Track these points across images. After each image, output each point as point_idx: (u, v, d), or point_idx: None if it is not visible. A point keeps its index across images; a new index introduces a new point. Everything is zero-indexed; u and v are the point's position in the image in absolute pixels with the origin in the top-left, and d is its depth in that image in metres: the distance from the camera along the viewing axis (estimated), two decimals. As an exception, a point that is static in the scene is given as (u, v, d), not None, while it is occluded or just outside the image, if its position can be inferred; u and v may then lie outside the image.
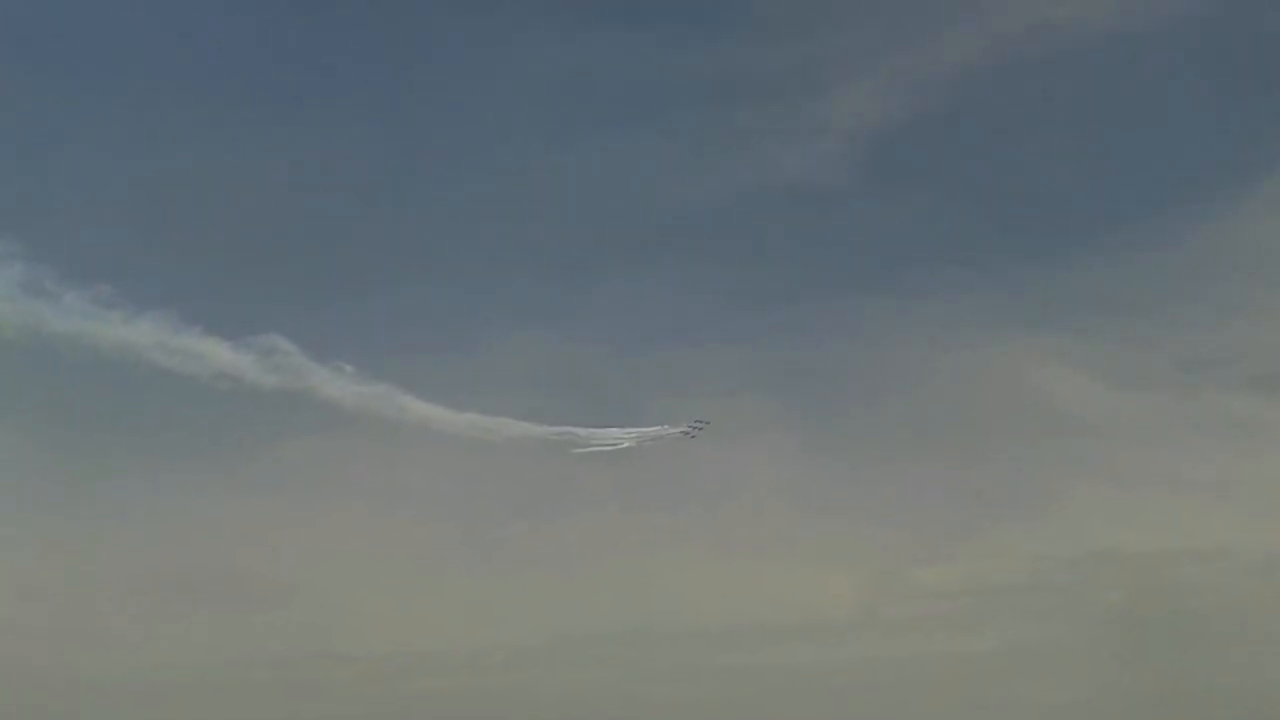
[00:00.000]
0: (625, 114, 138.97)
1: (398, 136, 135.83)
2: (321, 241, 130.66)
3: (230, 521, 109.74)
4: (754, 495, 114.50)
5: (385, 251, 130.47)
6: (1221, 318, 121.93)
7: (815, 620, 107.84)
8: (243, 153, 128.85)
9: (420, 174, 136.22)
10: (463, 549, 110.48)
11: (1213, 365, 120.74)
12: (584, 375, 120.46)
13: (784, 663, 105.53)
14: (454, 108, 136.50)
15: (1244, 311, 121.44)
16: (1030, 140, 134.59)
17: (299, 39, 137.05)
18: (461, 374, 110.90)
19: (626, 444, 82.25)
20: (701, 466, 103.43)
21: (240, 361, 76.07)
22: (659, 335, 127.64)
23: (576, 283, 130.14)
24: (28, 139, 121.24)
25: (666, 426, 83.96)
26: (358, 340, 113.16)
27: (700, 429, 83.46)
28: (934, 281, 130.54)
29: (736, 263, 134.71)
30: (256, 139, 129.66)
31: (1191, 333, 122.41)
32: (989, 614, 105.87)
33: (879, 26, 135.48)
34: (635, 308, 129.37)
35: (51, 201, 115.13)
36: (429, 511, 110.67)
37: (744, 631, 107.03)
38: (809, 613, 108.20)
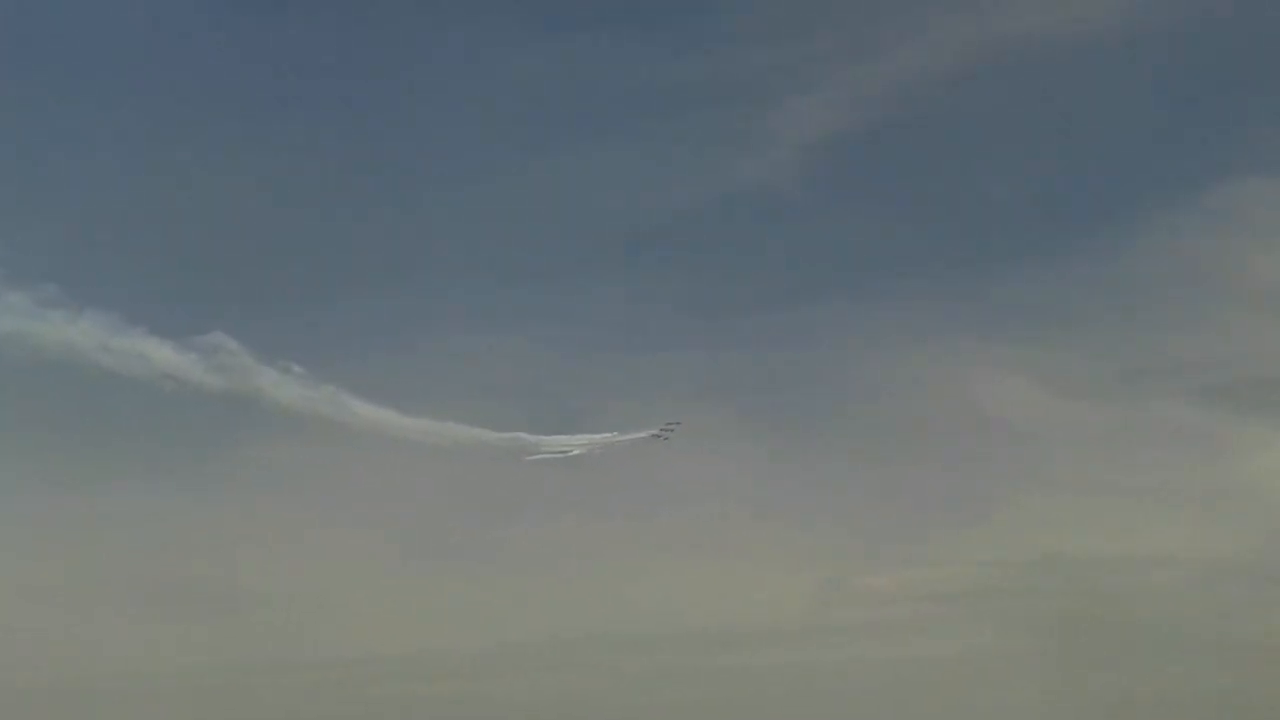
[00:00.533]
0: (580, 122, 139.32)
1: (351, 141, 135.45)
2: (272, 244, 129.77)
3: (180, 526, 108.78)
4: (706, 501, 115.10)
5: (337, 255, 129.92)
6: (1165, 330, 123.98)
7: (767, 625, 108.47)
8: (194, 152, 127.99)
9: (373, 177, 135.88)
10: (417, 554, 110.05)
11: (1155, 376, 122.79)
12: (538, 380, 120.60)
13: (735, 666, 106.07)
14: (407, 114, 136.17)
15: (1187, 324, 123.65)
16: (979, 152, 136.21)
17: (259, 40, 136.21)
18: (414, 378, 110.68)
19: (576, 451, 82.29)
20: (655, 473, 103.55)
21: (185, 362, 75.47)
22: (613, 341, 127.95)
23: (530, 288, 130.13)
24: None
25: (618, 434, 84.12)
26: (308, 343, 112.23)
27: (672, 431, 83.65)
28: (885, 290, 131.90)
29: (690, 270, 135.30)
30: (209, 139, 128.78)
31: (1135, 344, 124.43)
32: (937, 619, 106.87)
33: (832, 38, 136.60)
34: (590, 313, 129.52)
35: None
36: (383, 516, 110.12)
37: (696, 636, 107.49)
38: (760, 618, 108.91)
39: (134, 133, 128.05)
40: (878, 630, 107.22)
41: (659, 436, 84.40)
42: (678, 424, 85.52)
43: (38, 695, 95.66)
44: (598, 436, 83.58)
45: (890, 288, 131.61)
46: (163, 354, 74.31)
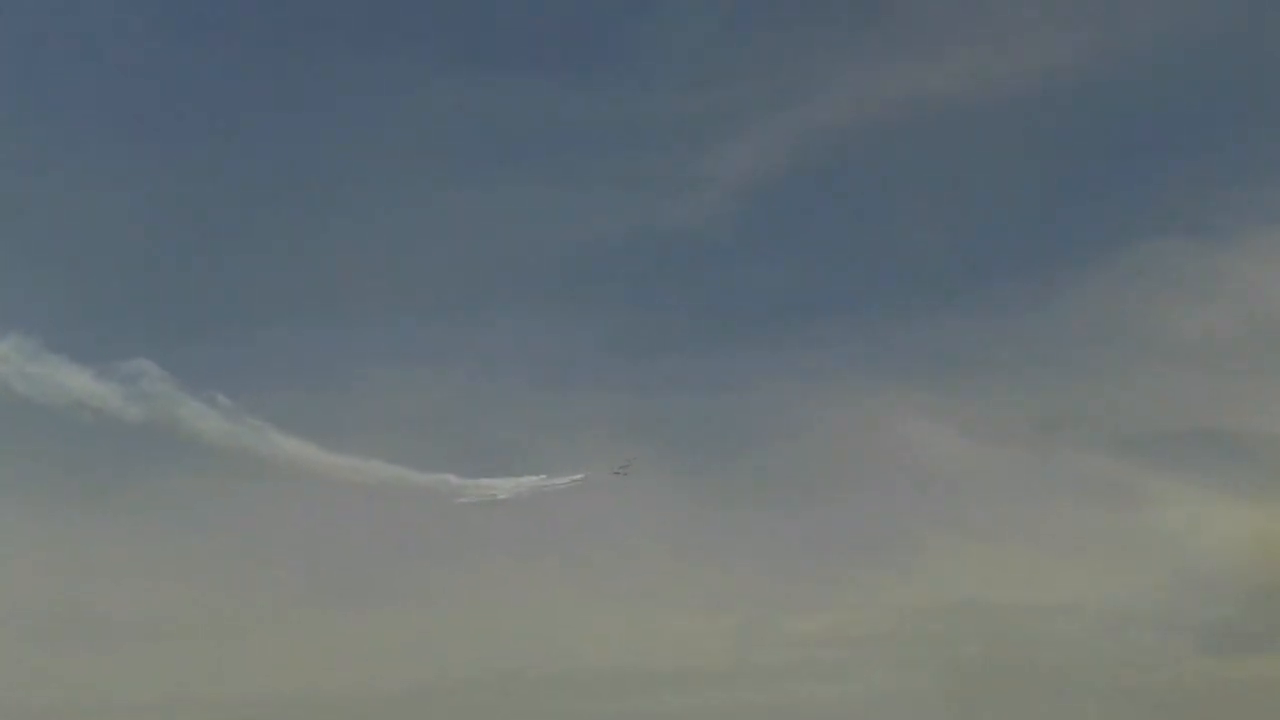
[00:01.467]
0: (511, 157, 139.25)
1: (279, 170, 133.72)
2: (197, 273, 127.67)
3: (80, 556, 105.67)
4: (628, 542, 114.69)
5: (260, 285, 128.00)
6: (1080, 380, 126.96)
7: (689, 666, 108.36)
8: (121, 180, 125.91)
9: (300, 209, 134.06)
10: (333, 592, 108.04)
11: (1072, 426, 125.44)
12: (461, 416, 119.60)
13: (658, 709, 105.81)
14: (336, 144, 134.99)
15: (1102, 375, 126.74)
16: (903, 202, 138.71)
17: (186, 70, 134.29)
18: (336, 412, 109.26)
19: (503, 495, 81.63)
20: (577, 511, 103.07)
21: (105, 390, 73.53)
22: (538, 378, 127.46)
23: (457, 323, 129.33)
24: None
25: (546, 477, 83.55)
26: (232, 374, 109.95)
27: (627, 469, 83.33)
28: (807, 335, 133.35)
29: (617, 308, 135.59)
30: (136, 166, 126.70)
31: (1052, 394, 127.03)
32: (855, 662, 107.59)
33: (765, 84, 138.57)
34: (515, 350, 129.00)
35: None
36: (299, 553, 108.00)
37: (618, 677, 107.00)
38: (683, 659, 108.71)
39: (63, 160, 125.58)
40: (796, 672, 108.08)
41: (618, 474, 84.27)
42: (633, 459, 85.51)
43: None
44: (525, 480, 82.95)
45: (812, 332, 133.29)
46: (81, 381, 72.35)
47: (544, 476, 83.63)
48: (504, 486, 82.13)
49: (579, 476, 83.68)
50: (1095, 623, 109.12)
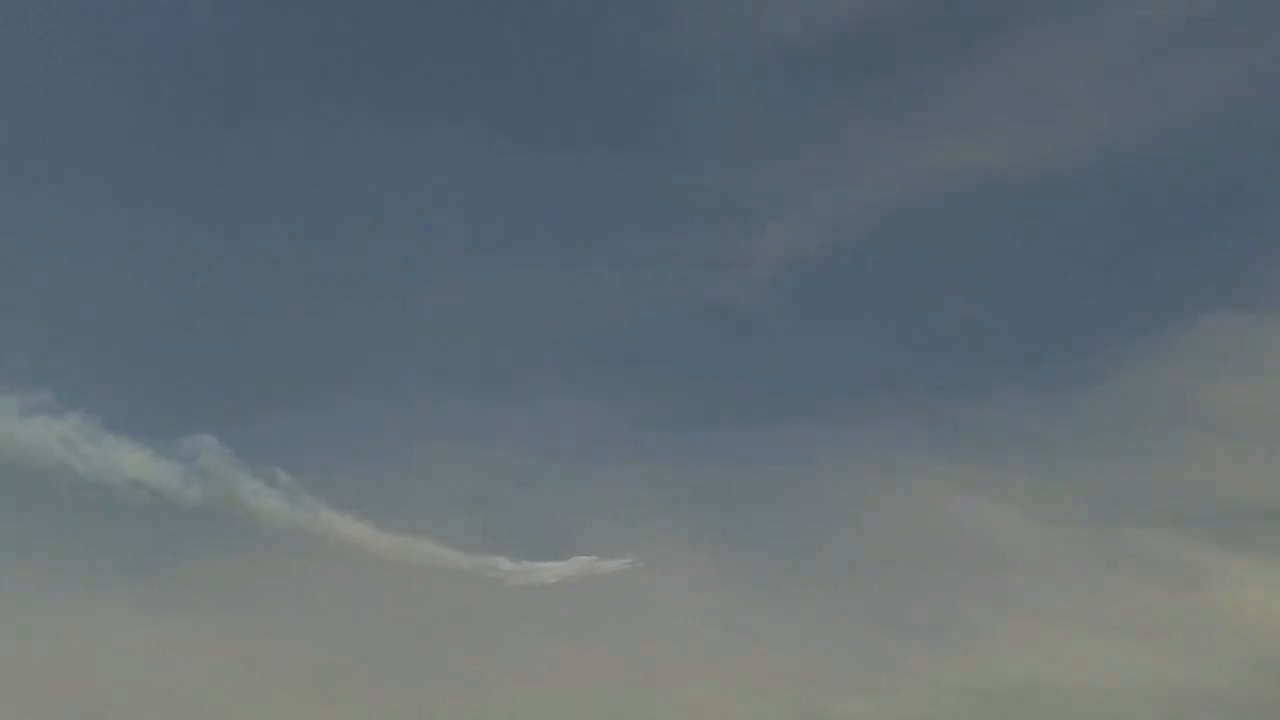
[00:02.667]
0: (554, 235, 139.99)
1: (330, 250, 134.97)
2: (252, 352, 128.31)
3: (135, 638, 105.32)
4: (677, 622, 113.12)
5: (309, 363, 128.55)
6: (1140, 458, 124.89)
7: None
8: (179, 260, 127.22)
9: (349, 288, 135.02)
10: (379, 673, 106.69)
11: (1133, 504, 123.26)
12: (509, 494, 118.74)
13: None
14: (385, 223, 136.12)
15: (1158, 451, 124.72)
16: (954, 276, 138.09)
17: (238, 150, 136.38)
18: (387, 489, 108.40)
19: (551, 579, 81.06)
20: (625, 593, 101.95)
21: (163, 469, 73.55)
22: (583, 455, 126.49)
23: (502, 400, 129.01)
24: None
25: (596, 558, 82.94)
26: (285, 450, 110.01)
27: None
28: (856, 410, 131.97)
29: (662, 385, 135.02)
30: (194, 247, 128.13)
31: (1106, 470, 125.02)
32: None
33: (808, 160, 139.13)
34: (560, 427, 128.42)
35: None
36: (344, 634, 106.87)
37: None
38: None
39: (123, 243, 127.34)
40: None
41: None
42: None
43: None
44: (574, 561, 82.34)
45: (863, 409, 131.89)
46: (139, 460, 72.44)
47: (593, 558, 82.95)
48: (553, 569, 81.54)
49: (627, 561, 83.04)
50: (1159, 705, 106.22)
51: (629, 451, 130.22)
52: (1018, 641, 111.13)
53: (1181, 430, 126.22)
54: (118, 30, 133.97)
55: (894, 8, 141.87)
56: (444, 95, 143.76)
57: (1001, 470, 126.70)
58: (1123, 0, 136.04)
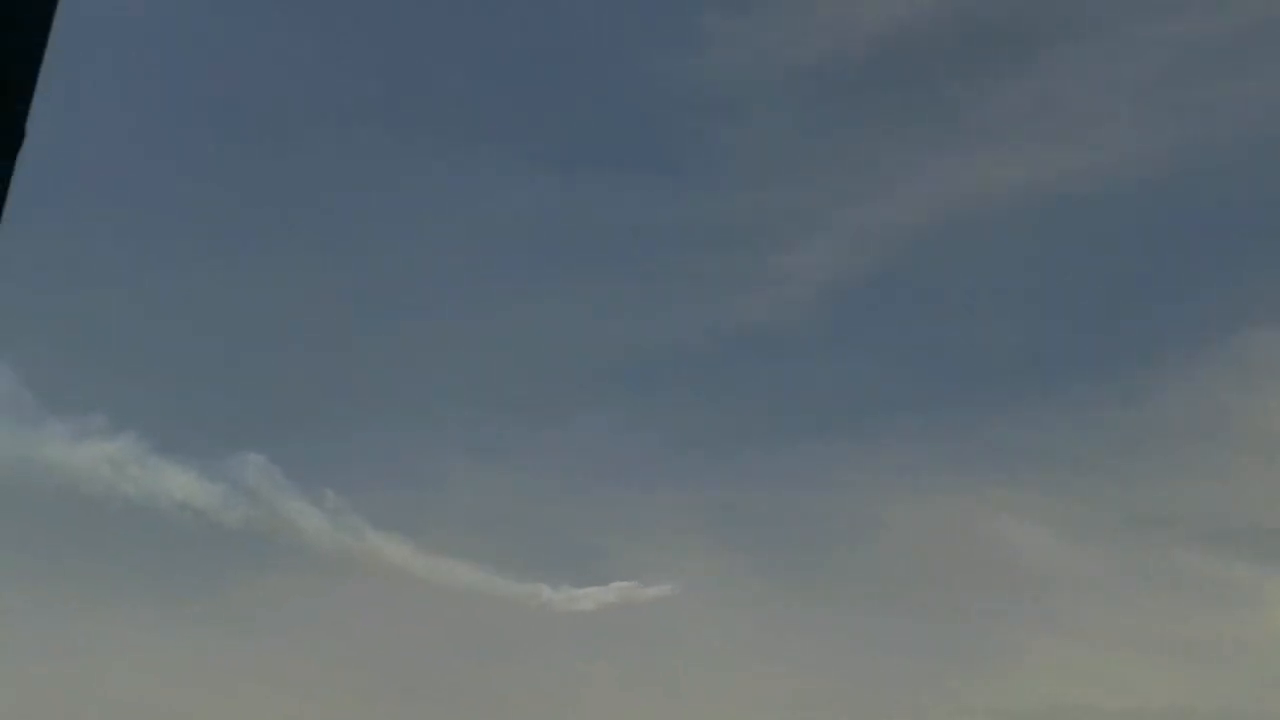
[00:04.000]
0: (589, 259, 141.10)
1: (372, 277, 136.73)
2: (289, 379, 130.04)
3: (180, 660, 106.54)
4: (713, 646, 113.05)
5: (350, 388, 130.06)
6: (1177, 476, 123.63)
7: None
8: (227, 285, 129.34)
9: (390, 314, 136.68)
10: (418, 697, 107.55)
11: (1167, 522, 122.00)
12: (547, 516, 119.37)
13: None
14: (425, 250, 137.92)
15: (1197, 470, 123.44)
16: (985, 295, 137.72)
17: (282, 174, 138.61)
18: (429, 513, 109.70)
19: (590, 605, 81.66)
20: (662, 618, 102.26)
21: (210, 490, 74.84)
22: (620, 477, 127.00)
23: (540, 423, 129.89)
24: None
25: (638, 584, 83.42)
26: (330, 474, 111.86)
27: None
28: (890, 430, 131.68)
29: (695, 406, 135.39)
30: (237, 274, 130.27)
31: (1144, 489, 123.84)
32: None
33: (837, 183, 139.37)
34: (597, 449, 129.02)
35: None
36: (385, 657, 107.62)
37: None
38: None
39: (172, 265, 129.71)
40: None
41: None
42: None
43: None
44: (612, 587, 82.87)
45: (896, 427, 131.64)
46: (186, 480, 73.80)
47: (632, 583, 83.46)
48: (592, 595, 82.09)
49: (667, 587, 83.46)
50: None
51: (663, 473, 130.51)
52: (1052, 663, 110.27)
53: (1219, 448, 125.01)
54: (159, 64, 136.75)
55: (923, 30, 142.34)
56: (479, 122, 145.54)
57: (1034, 490, 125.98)
58: (1152, 17, 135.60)
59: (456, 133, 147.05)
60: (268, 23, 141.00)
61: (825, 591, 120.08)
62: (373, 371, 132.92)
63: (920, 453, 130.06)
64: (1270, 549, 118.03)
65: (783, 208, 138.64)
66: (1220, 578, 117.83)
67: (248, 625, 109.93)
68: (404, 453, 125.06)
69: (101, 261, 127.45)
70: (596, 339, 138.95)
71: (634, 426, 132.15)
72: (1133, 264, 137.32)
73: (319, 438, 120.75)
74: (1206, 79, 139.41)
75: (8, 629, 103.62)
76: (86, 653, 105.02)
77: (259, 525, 76.56)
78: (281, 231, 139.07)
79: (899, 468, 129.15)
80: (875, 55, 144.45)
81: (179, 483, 74.98)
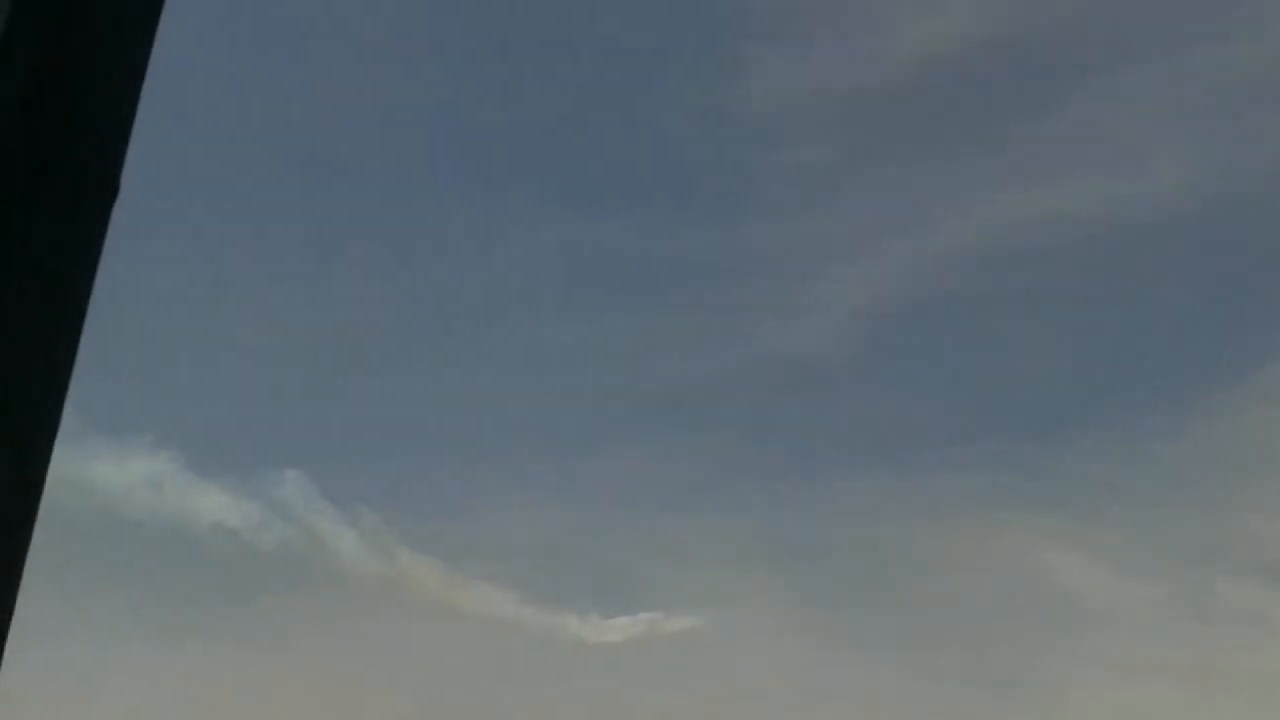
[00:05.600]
0: (624, 288, 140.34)
1: (404, 304, 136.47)
2: (327, 404, 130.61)
3: (214, 685, 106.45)
4: (747, 682, 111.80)
5: (383, 412, 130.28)
6: (1231, 508, 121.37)
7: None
8: (268, 312, 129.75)
9: (422, 339, 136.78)
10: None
11: (1221, 556, 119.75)
12: (584, 546, 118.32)
13: None
14: (462, 279, 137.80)
15: (1254, 503, 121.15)
16: (1029, 324, 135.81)
17: (318, 209, 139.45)
18: (466, 539, 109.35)
19: (622, 637, 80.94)
20: (697, 650, 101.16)
21: (246, 510, 74.65)
22: (658, 507, 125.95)
23: (577, 453, 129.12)
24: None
25: (665, 614, 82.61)
26: (362, 497, 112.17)
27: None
28: (934, 461, 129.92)
29: (734, 436, 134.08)
30: (277, 301, 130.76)
31: (1197, 521, 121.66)
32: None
33: (879, 210, 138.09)
34: (632, 479, 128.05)
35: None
36: (416, 685, 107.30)
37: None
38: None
39: (217, 293, 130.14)
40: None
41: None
42: None
43: None
44: (644, 617, 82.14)
45: (941, 461, 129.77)
46: (222, 501, 73.66)
47: (663, 614, 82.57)
48: (625, 626, 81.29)
49: (698, 618, 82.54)
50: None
51: (700, 504, 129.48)
52: (1108, 700, 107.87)
53: (1274, 480, 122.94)
54: (217, 103, 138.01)
55: (964, 57, 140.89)
56: (516, 155, 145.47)
57: (1083, 521, 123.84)
58: (1202, 42, 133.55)
59: (495, 166, 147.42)
60: (326, 68, 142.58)
61: (869, 626, 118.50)
62: (413, 397, 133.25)
63: (963, 485, 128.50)
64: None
65: (821, 236, 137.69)
66: (1264, 611, 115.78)
67: (278, 647, 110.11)
68: (443, 477, 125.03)
69: (149, 282, 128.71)
70: (634, 369, 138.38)
71: (673, 457, 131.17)
72: (1180, 292, 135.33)
73: (358, 459, 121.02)
74: (1257, 105, 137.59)
75: (40, 652, 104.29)
76: (114, 678, 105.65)
77: (294, 546, 76.42)
78: (326, 263, 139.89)
79: (941, 500, 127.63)
80: (915, 83, 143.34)
81: (215, 502, 74.98)
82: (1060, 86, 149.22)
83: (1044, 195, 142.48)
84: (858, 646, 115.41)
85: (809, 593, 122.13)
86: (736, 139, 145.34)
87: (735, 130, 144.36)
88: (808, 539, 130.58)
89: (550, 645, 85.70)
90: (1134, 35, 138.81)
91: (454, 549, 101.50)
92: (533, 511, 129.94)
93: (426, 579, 79.37)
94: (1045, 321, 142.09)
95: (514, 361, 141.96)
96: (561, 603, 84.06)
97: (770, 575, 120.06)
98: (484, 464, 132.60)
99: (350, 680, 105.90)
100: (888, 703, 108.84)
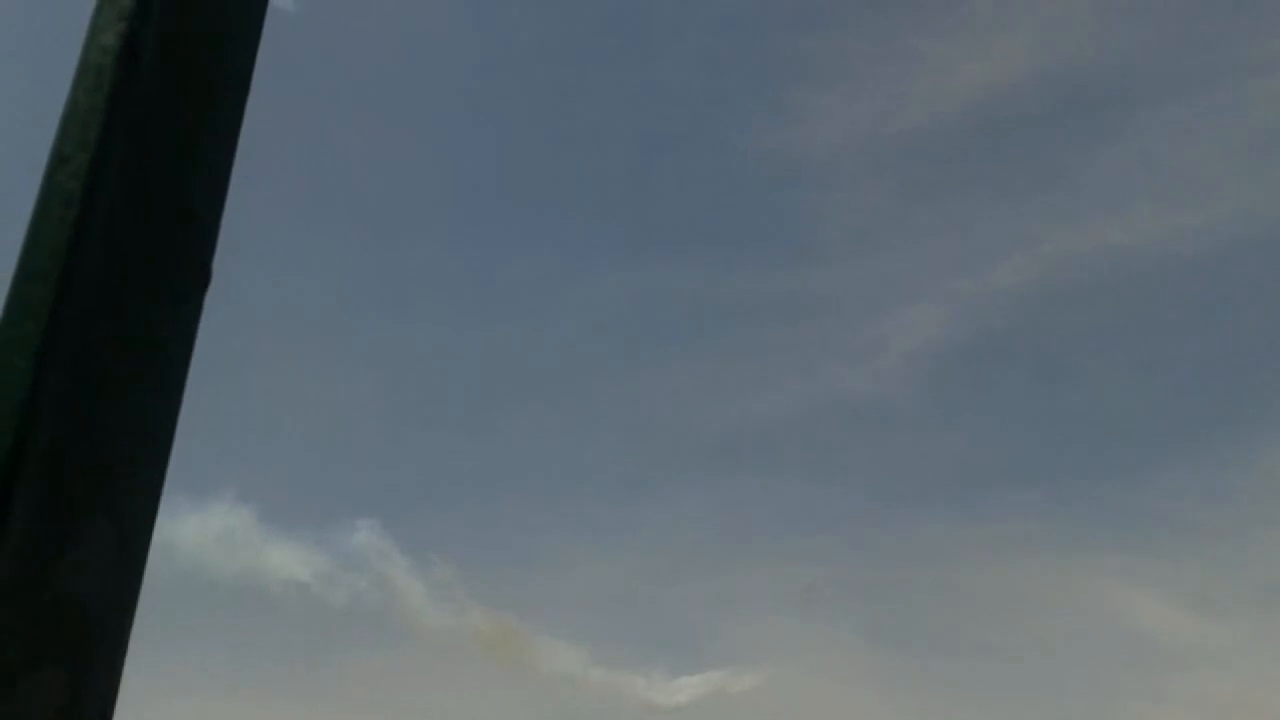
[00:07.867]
0: (686, 333, 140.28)
1: (468, 360, 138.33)
2: (406, 450, 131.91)
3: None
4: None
5: (454, 462, 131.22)
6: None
7: None
8: (338, 365, 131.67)
9: (490, 386, 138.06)
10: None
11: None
12: (646, 595, 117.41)
13: None
14: (527, 327, 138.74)
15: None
16: (1092, 361, 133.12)
17: (376, 268, 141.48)
18: (530, 589, 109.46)
19: (686, 699, 79.81)
20: (760, 709, 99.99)
21: (316, 563, 75.00)
22: (719, 551, 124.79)
23: (640, 500, 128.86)
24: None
25: (729, 672, 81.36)
26: (432, 547, 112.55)
27: (813, 593, 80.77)
28: (1001, 501, 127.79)
29: (798, 479, 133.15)
30: (343, 354, 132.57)
31: (1269, 558, 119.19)
32: None
33: (939, 248, 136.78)
34: (695, 524, 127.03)
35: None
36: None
37: None
38: None
39: (294, 348, 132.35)
40: None
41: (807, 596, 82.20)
42: (819, 584, 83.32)
43: None
44: (708, 676, 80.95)
45: (1007, 498, 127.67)
46: (293, 554, 74.00)
47: (731, 669, 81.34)
48: (693, 686, 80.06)
49: (762, 676, 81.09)
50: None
51: (764, 548, 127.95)
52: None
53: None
54: (291, 164, 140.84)
55: (1020, 94, 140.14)
56: (578, 200, 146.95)
57: (1151, 559, 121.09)
58: (1257, 73, 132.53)
59: (556, 213, 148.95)
60: (387, 125, 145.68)
61: (940, 670, 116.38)
62: (484, 445, 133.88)
63: (1034, 525, 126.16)
64: None
65: (881, 276, 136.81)
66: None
67: (342, 702, 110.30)
68: (511, 526, 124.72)
69: (226, 341, 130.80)
70: (698, 414, 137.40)
71: (733, 500, 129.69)
72: (1248, 323, 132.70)
73: (431, 508, 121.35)
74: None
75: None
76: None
77: (367, 599, 76.49)
78: (397, 312, 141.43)
79: (1013, 541, 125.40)
80: (971, 122, 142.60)
81: (288, 557, 75.21)
82: (1118, 120, 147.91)
83: (1105, 229, 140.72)
84: (934, 694, 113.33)
85: (879, 640, 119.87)
86: (795, 181, 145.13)
87: (794, 172, 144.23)
88: (873, 582, 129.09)
89: (619, 709, 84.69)
90: (1192, 67, 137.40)
91: (521, 599, 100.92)
92: (598, 560, 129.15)
93: (496, 634, 79.14)
94: (1111, 357, 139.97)
95: (580, 408, 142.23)
96: (627, 655, 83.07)
97: (836, 621, 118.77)
98: (550, 511, 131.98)
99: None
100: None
